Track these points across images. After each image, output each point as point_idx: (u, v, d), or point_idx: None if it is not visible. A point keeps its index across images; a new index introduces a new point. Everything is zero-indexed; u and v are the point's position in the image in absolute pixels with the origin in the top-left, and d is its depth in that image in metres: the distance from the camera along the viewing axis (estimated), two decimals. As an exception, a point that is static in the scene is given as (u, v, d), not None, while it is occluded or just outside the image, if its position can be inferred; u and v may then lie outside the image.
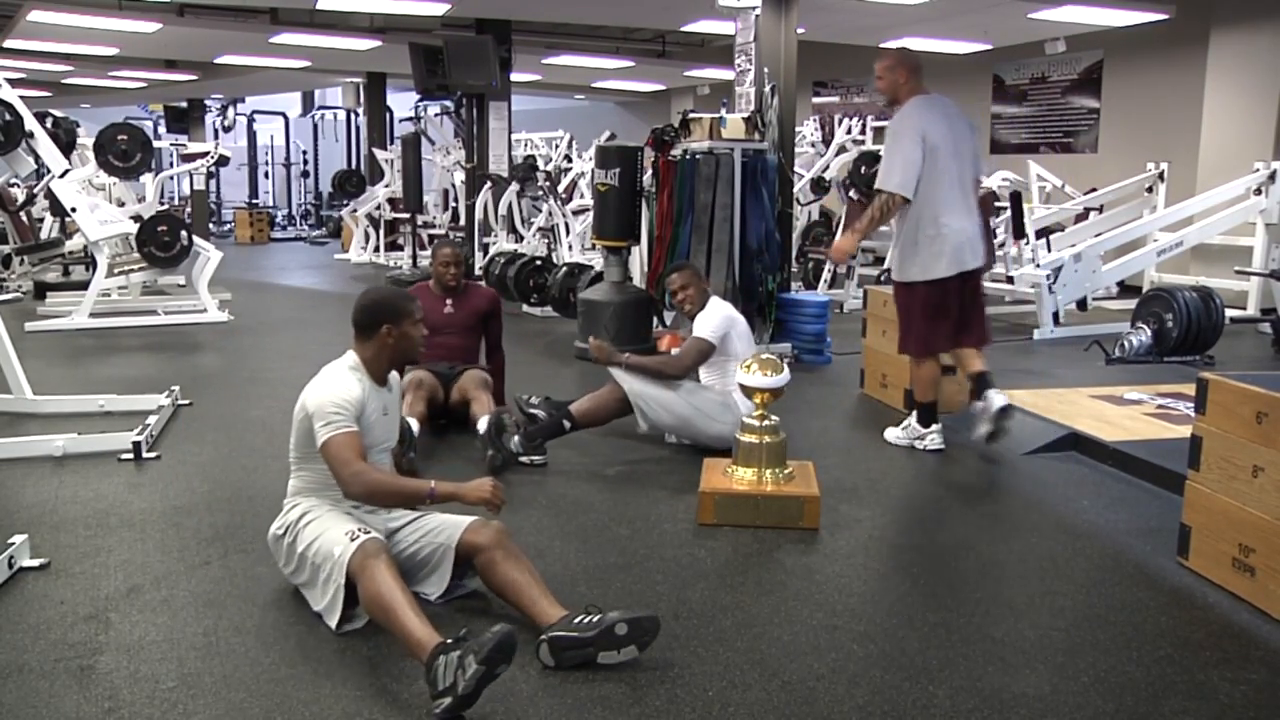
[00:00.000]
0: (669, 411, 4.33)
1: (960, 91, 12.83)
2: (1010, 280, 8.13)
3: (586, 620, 2.50)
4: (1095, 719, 2.34)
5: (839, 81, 15.31)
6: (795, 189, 8.64)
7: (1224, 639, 2.75)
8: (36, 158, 7.40)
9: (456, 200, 12.48)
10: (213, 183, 19.10)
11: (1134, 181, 9.65)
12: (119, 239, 8.19)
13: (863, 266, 9.81)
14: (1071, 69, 11.69)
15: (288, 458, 2.93)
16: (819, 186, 9.99)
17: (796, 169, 8.78)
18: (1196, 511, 3.18)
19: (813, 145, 10.95)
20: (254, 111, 21.47)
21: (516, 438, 4.22)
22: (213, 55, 14.25)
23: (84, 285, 8.50)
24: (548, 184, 9.68)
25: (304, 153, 21.63)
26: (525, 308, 8.59)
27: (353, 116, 20.30)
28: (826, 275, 9.47)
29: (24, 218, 10.04)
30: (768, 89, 6.77)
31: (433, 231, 13.10)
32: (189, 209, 16.20)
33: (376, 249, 13.42)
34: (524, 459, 4.20)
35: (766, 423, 3.71)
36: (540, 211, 9.97)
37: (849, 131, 10.74)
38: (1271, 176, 8.35)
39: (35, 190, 9.31)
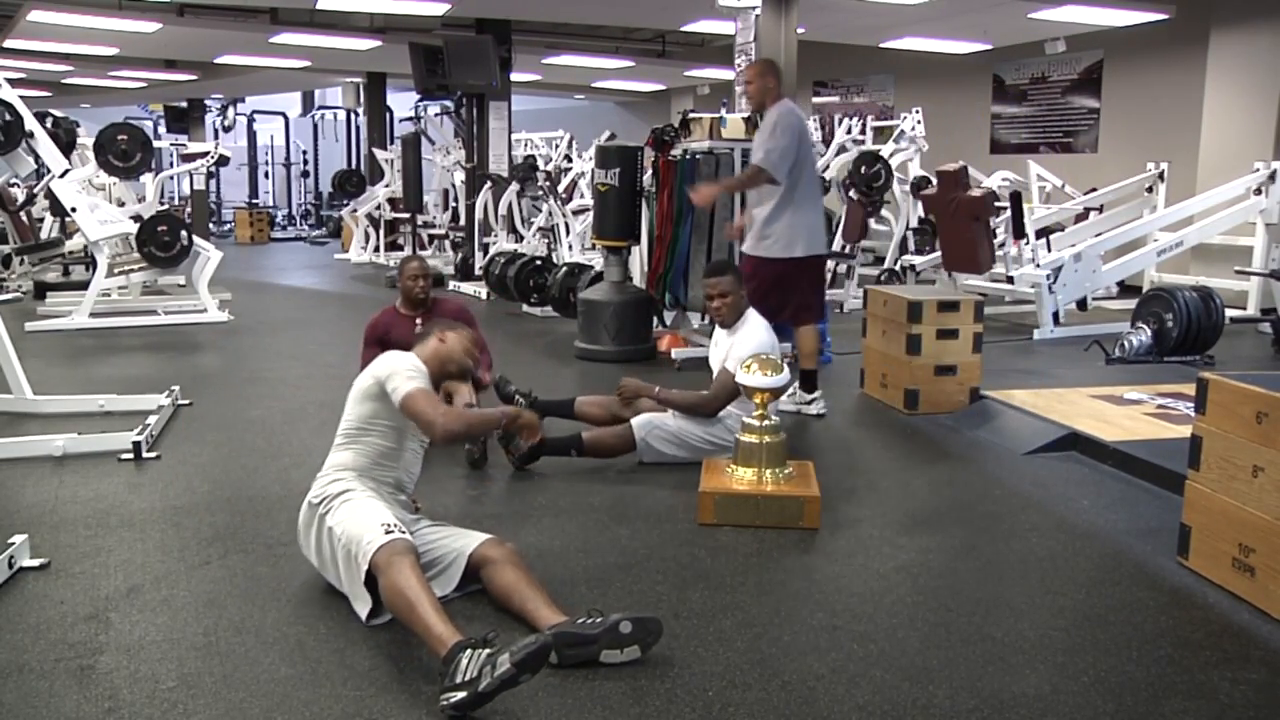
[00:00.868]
0: (680, 447, 4.24)
1: (960, 91, 12.89)
2: (1010, 280, 8.12)
3: (590, 620, 2.52)
4: (1095, 719, 2.34)
5: (839, 81, 15.32)
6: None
7: (1224, 639, 2.75)
8: (36, 158, 7.38)
9: (456, 200, 12.48)
10: (213, 183, 19.11)
11: (1134, 181, 9.65)
12: (119, 239, 8.19)
13: (863, 266, 9.80)
14: (1071, 69, 11.69)
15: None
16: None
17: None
18: (1196, 511, 3.18)
19: (812, 145, 10.93)
20: (254, 111, 21.49)
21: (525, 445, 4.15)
22: (213, 55, 14.26)
23: (84, 285, 8.51)
24: (548, 184, 9.68)
25: (304, 153, 21.64)
26: (525, 308, 8.59)
27: (353, 116, 20.31)
28: (827, 275, 9.46)
29: (24, 218, 10.05)
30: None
31: (433, 231, 13.11)
32: (189, 209, 16.18)
33: (376, 249, 13.41)
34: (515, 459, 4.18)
35: (766, 423, 3.71)
36: (540, 211, 9.97)
37: (849, 131, 10.73)
38: (1271, 176, 8.35)
39: (35, 190, 9.31)
